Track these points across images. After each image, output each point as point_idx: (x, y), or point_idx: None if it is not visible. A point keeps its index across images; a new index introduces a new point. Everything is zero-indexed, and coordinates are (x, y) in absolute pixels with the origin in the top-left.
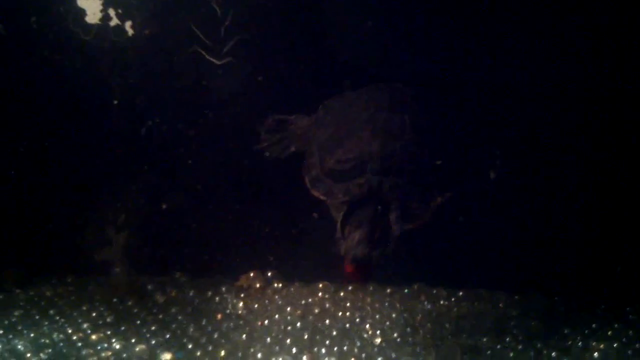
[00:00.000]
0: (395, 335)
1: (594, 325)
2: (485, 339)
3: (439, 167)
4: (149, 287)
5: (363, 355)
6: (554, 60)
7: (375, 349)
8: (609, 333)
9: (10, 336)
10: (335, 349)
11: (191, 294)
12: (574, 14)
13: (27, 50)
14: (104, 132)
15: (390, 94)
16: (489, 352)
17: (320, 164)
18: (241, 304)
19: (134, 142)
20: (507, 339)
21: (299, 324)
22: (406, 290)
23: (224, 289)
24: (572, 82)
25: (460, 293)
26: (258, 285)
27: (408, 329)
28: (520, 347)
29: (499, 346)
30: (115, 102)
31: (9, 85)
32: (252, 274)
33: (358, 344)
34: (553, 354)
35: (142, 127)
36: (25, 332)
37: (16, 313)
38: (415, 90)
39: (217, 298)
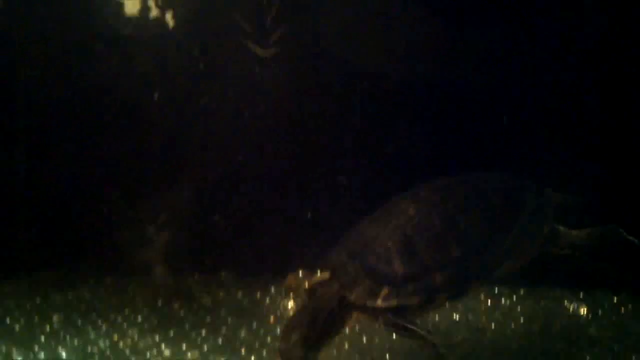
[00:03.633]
0: (460, 337)
1: None
2: (558, 342)
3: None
4: (194, 288)
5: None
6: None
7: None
8: None
9: (53, 344)
10: (399, 352)
11: (239, 295)
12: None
13: (68, 46)
14: (145, 130)
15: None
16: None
17: None
18: (291, 304)
19: (175, 140)
20: (581, 342)
21: (356, 327)
22: None
23: (273, 289)
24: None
25: (522, 291)
26: (307, 285)
27: (473, 331)
28: (596, 350)
29: (574, 350)
30: (156, 98)
31: (54, 86)
32: (300, 273)
33: None
34: (633, 357)
35: (184, 124)
36: (68, 338)
37: (56, 318)
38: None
39: (267, 299)
